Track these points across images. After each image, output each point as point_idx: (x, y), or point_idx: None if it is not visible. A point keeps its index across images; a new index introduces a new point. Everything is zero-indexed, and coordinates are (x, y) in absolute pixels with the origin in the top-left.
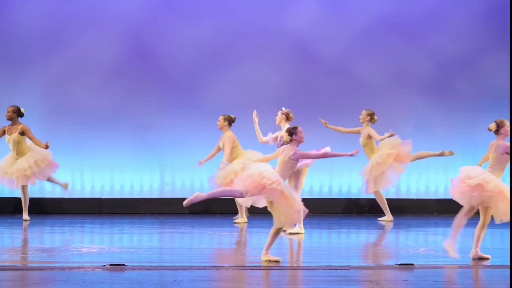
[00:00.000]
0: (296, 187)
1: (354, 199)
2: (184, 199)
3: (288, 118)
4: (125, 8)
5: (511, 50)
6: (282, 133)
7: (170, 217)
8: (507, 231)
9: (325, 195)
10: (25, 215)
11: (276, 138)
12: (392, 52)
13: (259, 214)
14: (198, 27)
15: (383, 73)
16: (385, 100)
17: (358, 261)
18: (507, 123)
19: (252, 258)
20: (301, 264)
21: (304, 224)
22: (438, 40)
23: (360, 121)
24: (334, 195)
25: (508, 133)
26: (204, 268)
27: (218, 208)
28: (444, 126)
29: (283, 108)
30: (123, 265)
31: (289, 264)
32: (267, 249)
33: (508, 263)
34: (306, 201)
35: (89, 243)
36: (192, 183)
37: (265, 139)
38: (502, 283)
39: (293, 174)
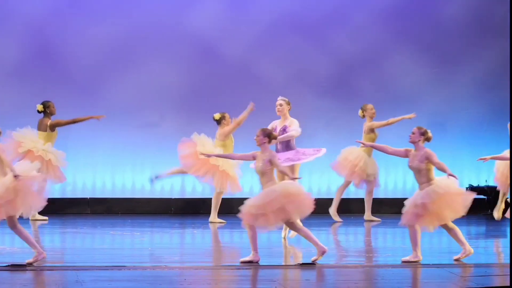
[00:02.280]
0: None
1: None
2: (85, 199)
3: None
4: (26, 7)
5: (511, 48)
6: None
7: (71, 217)
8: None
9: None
10: None
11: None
12: (294, 51)
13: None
14: (101, 26)
15: (285, 72)
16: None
17: (260, 261)
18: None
19: (154, 258)
20: (203, 264)
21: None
22: (340, 40)
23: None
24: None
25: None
26: (106, 268)
27: (120, 208)
28: (345, 126)
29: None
30: (25, 265)
31: (191, 264)
32: None
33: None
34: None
35: None
36: (94, 183)
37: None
38: (403, 282)
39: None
